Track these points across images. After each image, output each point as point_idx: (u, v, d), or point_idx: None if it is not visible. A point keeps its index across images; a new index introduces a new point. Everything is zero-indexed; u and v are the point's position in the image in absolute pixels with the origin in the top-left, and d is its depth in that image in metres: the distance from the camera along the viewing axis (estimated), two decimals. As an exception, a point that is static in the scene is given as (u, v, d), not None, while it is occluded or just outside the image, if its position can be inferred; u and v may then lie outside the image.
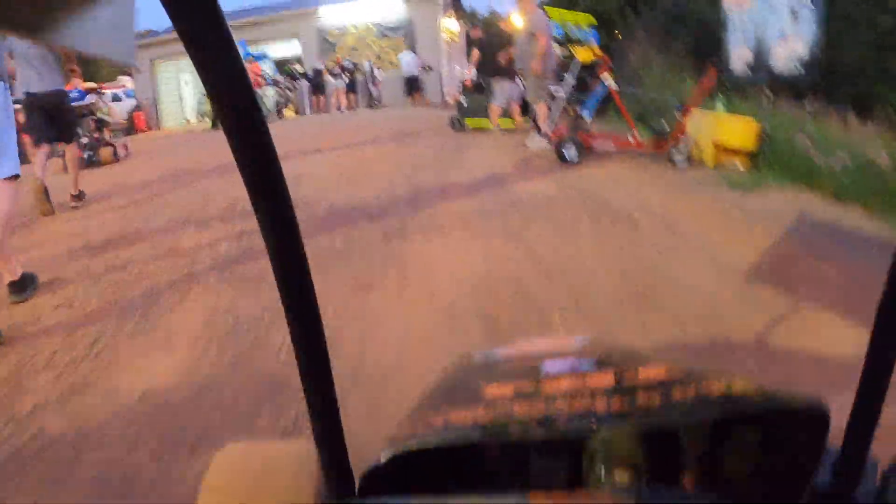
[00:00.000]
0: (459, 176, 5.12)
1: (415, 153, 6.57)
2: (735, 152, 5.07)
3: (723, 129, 5.25)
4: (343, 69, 15.98)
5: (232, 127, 0.30)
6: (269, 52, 21.58)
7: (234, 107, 0.30)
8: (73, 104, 5.50)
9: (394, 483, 0.42)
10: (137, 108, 18.24)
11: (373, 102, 15.89)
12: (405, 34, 16.79)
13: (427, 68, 16.32)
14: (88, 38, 0.32)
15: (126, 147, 9.62)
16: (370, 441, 0.49)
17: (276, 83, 15.16)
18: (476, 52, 9.30)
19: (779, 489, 0.48)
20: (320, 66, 15.75)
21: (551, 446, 0.52)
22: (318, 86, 15.85)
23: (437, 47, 16.95)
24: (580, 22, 8.06)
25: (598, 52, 5.72)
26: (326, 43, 17.31)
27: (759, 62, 4.67)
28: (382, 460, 0.42)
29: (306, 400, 0.39)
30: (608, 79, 5.58)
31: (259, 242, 0.35)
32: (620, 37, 5.21)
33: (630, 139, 5.62)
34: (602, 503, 0.39)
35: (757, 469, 0.51)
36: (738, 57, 4.85)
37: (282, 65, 18.64)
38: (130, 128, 17.35)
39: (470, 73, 9.92)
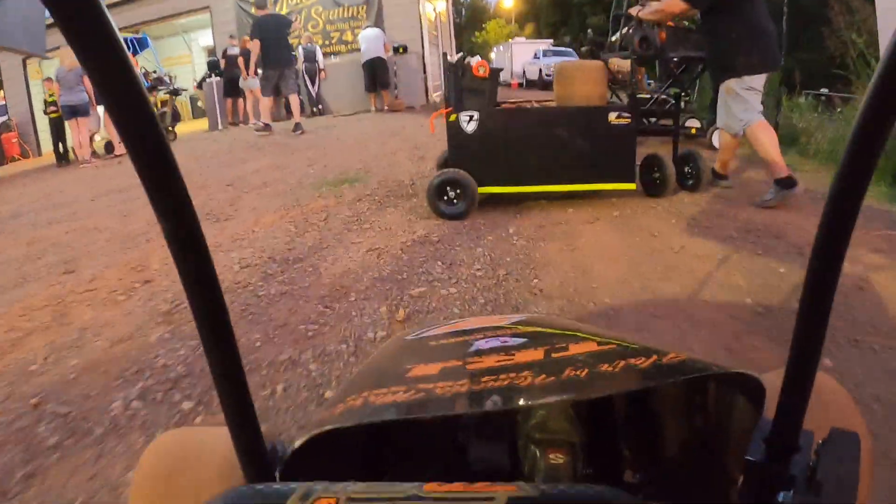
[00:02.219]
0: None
1: None
2: None
3: None
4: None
5: (123, 130, 0.28)
6: (200, 39, 16.07)
7: (122, 106, 0.27)
8: None
9: (314, 466, 0.41)
10: (5, 127, 12.81)
11: (314, 107, 10.16)
12: (366, 1, 11.01)
13: (401, 50, 10.61)
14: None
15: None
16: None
17: (157, 84, 9.45)
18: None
19: (714, 462, 0.50)
20: (235, 52, 9.99)
21: (484, 427, 0.54)
22: (231, 84, 10.14)
23: (414, 21, 11.16)
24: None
25: None
26: (248, 17, 11.50)
27: None
28: (298, 444, 0.41)
29: (217, 389, 0.37)
30: None
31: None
32: None
33: None
34: (492, 493, 0.33)
35: (692, 443, 0.53)
36: None
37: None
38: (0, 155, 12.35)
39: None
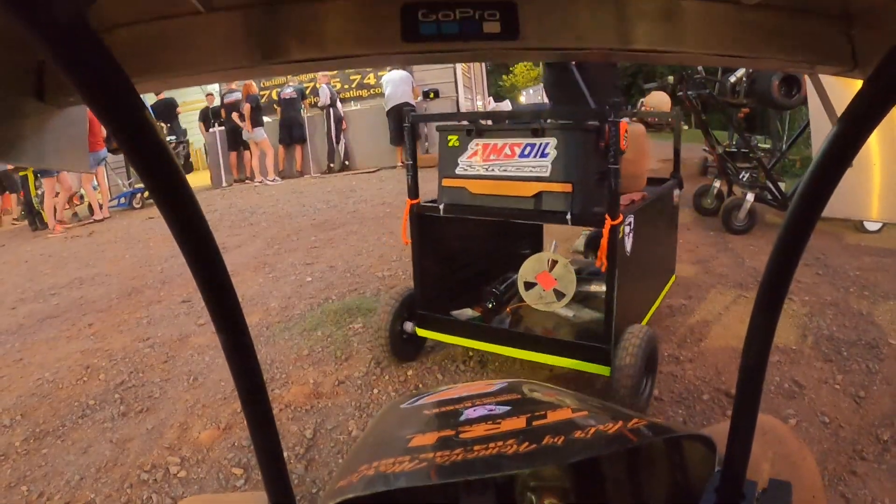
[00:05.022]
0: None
1: None
2: None
3: None
4: (280, 102, 8.87)
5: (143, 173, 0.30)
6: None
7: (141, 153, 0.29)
8: None
9: None
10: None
11: (332, 161, 8.65)
12: (392, 39, 9.58)
13: (431, 95, 9.08)
14: (44, 155, 0.35)
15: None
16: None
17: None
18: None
19: None
20: (236, 97, 8.57)
21: (480, 488, 0.60)
22: (234, 135, 8.70)
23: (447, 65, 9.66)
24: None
25: None
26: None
27: None
28: None
29: (256, 454, 0.43)
30: None
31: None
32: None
33: None
34: None
35: (658, 492, 0.59)
36: None
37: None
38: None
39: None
